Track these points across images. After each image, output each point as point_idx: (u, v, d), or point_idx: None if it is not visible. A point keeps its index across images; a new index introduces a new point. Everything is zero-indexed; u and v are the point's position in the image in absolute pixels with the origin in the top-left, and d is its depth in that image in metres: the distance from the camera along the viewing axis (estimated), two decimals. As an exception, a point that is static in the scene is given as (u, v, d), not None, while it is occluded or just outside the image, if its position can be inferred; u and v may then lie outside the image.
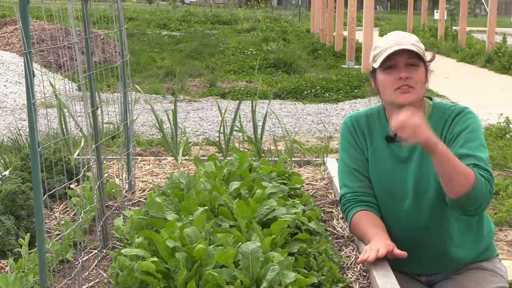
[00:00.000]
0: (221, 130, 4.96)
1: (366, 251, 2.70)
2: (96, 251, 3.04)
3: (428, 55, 2.91)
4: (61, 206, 3.71)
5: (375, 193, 3.00)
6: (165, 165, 4.69)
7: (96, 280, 2.73)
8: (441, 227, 2.90)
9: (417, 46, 2.84)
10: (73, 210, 3.61)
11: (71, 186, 3.93)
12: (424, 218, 2.88)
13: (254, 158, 4.63)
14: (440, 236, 2.92)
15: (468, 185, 2.67)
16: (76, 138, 6.01)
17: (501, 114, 9.17)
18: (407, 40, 2.84)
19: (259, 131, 4.95)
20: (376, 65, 2.86)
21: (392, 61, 2.83)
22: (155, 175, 4.40)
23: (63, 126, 4.82)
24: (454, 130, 2.85)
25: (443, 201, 2.80)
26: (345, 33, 20.10)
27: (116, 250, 2.99)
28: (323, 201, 3.80)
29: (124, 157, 3.99)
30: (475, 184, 2.67)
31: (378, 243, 2.71)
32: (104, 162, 4.29)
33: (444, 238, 2.93)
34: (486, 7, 26.02)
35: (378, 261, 2.73)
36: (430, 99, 3.02)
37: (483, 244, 3.01)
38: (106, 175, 4.11)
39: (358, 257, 2.89)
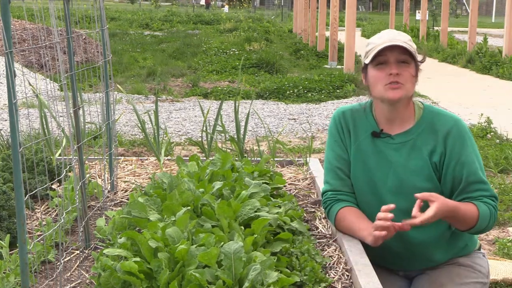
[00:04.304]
0: (204, 130, 4.96)
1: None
2: (78, 251, 3.03)
3: (419, 57, 2.93)
4: (42, 206, 3.69)
5: (354, 192, 3.05)
6: (147, 165, 4.68)
7: (78, 281, 2.72)
8: (418, 228, 2.91)
9: (409, 45, 2.85)
10: (55, 210, 3.60)
11: (53, 186, 3.91)
12: (402, 218, 2.88)
13: (236, 158, 4.63)
14: (417, 236, 2.95)
15: (470, 226, 2.89)
16: (58, 138, 5.99)
17: (481, 114, 9.23)
18: (399, 38, 2.87)
19: (242, 131, 4.95)
20: (367, 60, 2.88)
21: (383, 57, 2.85)
22: (137, 175, 4.39)
23: (45, 126, 4.80)
24: (454, 150, 2.89)
25: (424, 206, 2.83)
26: (328, 33, 20.14)
27: (98, 250, 2.99)
28: (306, 201, 3.81)
29: (106, 157, 3.97)
30: (478, 222, 2.87)
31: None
32: (86, 162, 4.27)
33: (422, 239, 2.96)
34: (468, 8, 26.20)
35: (359, 259, 2.76)
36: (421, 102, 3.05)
37: (461, 243, 3.04)
38: (88, 175, 4.10)
39: (341, 257, 2.91)
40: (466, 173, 2.88)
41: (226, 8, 51.52)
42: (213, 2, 59.78)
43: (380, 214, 2.73)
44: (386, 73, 2.85)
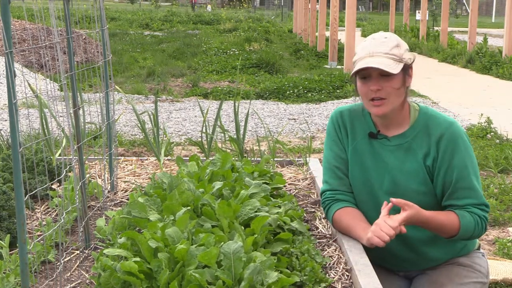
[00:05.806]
0: (203, 130, 4.96)
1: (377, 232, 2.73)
2: (78, 251, 3.03)
3: (409, 56, 2.83)
4: (42, 206, 3.69)
5: (353, 191, 3.04)
6: (147, 165, 4.68)
7: (78, 281, 2.72)
8: (417, 229, 2.91)
9: (392, 54, 2.77)
10: (55, 210, 3.60)
11: (53, 186, 3.91)
12: None
13: (236, 158, 4.63)
14: (416, 237, 2.95)
15: (451, 234, 2.88)
16: (58, 138, 5.99)
17: (481, 114, 9.23)
18: (381, 49, 2.78)
19: (241, 131, 4.95)
20: (353, 72, 2.86)
21: (365, 71, 2.81)
22: (137, 176, 4.39)
23: (45, 126, 4.80)
24: (446, 154, 2.85)
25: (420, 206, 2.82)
26: (328, 33, 20.15)
27: (98, 250, 2.99)
28: (306, 201, 3.81)
29: (106, 157, 3.97)
30: (459, 232, 2.86)
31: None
32: (86, 162, 4.27)
33: (420, 240, 2.96)
34: (468, 8, 26.23)
35: (359, 259, 2.76)
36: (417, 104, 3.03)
37: (460, 243, 3.03)
38: (88, 175, 4.10)
39: (341, 257, 2.91)
40: (456, 178, 2.85)
41: (209, 8, 51.59)
42: (211, 0, 59.78)
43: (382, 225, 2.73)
44: (368, 88, 2.82)
